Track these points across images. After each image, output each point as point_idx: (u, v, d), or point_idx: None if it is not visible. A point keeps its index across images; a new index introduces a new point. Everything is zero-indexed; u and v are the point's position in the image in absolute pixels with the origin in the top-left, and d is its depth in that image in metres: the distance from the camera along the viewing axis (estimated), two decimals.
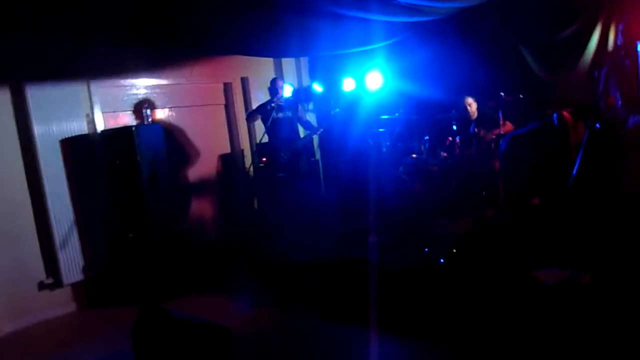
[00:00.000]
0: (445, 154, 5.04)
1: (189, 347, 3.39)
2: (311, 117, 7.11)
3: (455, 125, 5.05)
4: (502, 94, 4.59)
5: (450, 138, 5.06)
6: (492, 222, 4.37)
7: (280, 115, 5.56)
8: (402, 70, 5.45)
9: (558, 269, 3.55)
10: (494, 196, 4.60)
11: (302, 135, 5.82)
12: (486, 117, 4.84)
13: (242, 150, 6.69)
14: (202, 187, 6.33)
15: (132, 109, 5.61)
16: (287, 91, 5.82)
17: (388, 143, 5.34)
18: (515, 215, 4.13)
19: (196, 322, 3.55)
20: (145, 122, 5.23)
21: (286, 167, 5.58)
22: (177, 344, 3.34)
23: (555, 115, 4.08)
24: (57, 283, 4.90)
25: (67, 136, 4.95)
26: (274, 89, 5.65)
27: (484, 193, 4.74)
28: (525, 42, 4.88)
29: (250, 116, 5.84)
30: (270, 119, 5.47)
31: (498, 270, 3.71)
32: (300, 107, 5.85)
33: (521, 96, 4.54)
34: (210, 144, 6.44)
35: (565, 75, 4.63)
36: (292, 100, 5.82)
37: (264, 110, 5.64)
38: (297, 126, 5.85)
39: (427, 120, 5.27)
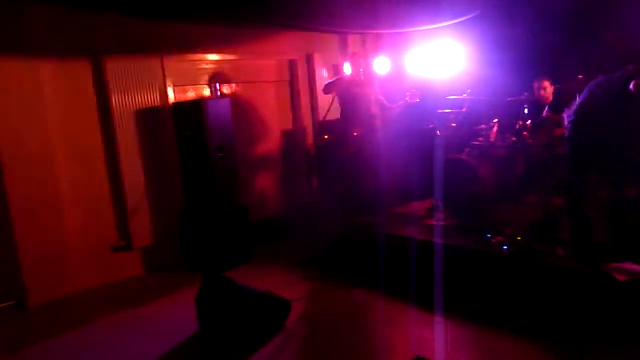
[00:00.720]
0: (514, 138, 4.85)
1: (250, 315, 3.53)
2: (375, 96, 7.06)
3: (527, 108, 4.83)
4: (580, 76, 4.32)
5: (521, 122, 4.85)
6: (561, 211, 4.17)
7: (358, 90, 5.48)
8: (473, 50, 5.25)
9: (632, 262, 3.36)
10: (563, 184, 4.39)
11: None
12: (562, 102, 4.59)
13: (305, 128, 6.75)
14: (265, 162, 6.46)
15: (201, 83, 5.79)
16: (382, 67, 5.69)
17: (454, 124, 5.20)
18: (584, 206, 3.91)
19: (258, 292, 3.68)
20: (214, 96, 5.36)
21: (355, 144, 5.50)
22: (240, 311, 3.48)
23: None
24: (128, 246, 5.21)
25: (141, 108, 5.19)
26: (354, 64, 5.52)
27: (550, 181, 4.54)
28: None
29: (328, 87, 5.63)
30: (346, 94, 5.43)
31: (564, 261, 3.56)
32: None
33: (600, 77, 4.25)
34: (274, 120, 6.55)
35: None
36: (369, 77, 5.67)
37: (340, 84, 5.53)
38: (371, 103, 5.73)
39: (497, 102, 5.06)
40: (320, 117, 6.39)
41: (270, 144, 6.55)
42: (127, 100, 5.11)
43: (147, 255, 5.37)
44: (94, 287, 4.97)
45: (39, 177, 4.65)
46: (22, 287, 4.61)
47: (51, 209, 4.73)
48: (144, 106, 5.22)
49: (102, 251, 5.11)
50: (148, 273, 5.35)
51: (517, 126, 4.86)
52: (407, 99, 5.37)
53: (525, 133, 4.80)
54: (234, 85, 6.06)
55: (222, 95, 5.60)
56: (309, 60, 6.71)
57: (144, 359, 3.46)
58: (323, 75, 6.72)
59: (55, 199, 4.75)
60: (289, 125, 6.75)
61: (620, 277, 3.23)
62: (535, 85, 4.82)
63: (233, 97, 6.00)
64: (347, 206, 5.32)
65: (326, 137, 6.03)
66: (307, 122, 6.77)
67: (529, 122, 4.80)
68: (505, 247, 3.81)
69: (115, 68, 5.00)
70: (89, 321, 4.19)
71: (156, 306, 4.44)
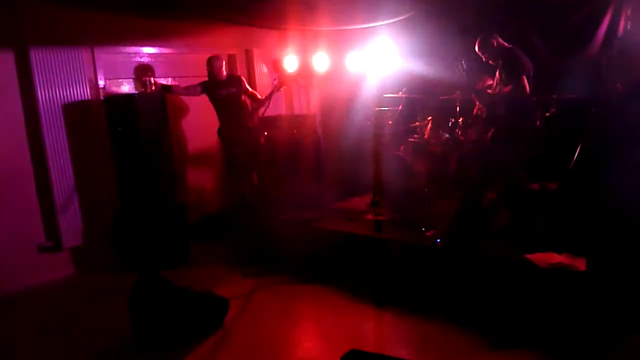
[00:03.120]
0: (447, 135, 5.04)
1: (187, 314, 3.46)
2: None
3: (459, 106, 5.04)
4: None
5: (453, 119, 5.05)
6: (491, 204, 4.39)
7: (224, 92, 5.61)
8: (408, 49, 5.40)
9: (553, 252, 3.59)
10: (493, 179, 4.62)
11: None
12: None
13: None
14: (204, 159, 6.34)
15: (135, 76, 5.59)
16: (290, 65, 5.78)
17: (390, 122, 5.33)
18: (513, 198, 4.15)
19: (194, 291, 3.61)
20: (148, 91, 5.20)
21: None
22: (176, 310, 3.41)
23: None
24: (57, 246, 4.96)
25: (70, 101, 4.94)
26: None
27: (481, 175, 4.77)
28: (534, 27, 4.86)
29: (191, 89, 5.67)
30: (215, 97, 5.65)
31: (492, 252, 3.75)
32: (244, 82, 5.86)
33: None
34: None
35: (573, 59, 4.62)
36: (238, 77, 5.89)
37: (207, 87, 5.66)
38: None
39: (431, 101, 5.25)
40: (260, 113, 6.34)
41: (209, 140, 6.41)
42: (55, 94, 4.84)
43: (78, 255, 5.13)
44: (21, 290, 4.69)
45: None
46: None
47: None
48: (73, 99, 4.97)
49: (28, 252, 4.82)
50: (79, 274, 5.11)
51: (450, 124, 5.06)
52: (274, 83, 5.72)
53: (457, 130, 5.00)
54: (170, 79, 5.89)
55: (157, 89, 5.43)
56: (249, 55, 6.65)
57: None
58: (263, 71, 6.67)
59: None
60: None
61: (542, 265, 3.45)
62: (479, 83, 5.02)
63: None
64: (286, 202, 5.33)
65: (266, 133, 6.00)
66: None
67: (460, 119, 5.00)
68: (437, 240, 3.95)
69: (41, 59, 4.72)
70: (15, 325, 3.95)
71: (87, 308, 4.25)
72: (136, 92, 5.27)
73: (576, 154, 4.01)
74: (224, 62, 5.68)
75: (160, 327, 3.38)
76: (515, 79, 4.05)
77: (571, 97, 4.57)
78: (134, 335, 3.52)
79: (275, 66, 5.66)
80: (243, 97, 5.84)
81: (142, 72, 5.54)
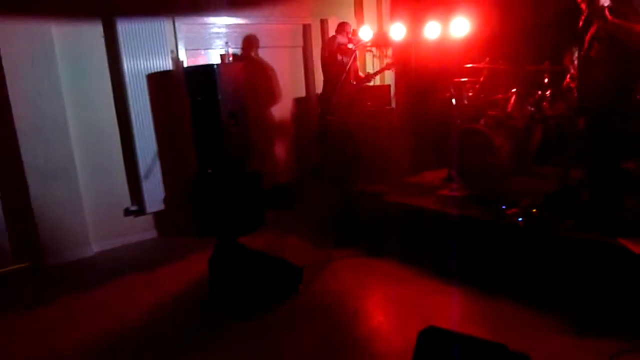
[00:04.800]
0: (532, 109, 4.74)
1: (263, 280, 3.55)
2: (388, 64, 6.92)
3: (548, 78, 4.70)
4: None
5: (540, 92, 4.73)
6: (578, 184, 4.11)
7: (346, 60, 5.44)
8: (492, 16, 5.10)
9: None
10: (582, 156, 4.31)
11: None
12: None
13: (318, 95, 6.65)
14: (277, 129, 6.42)
15: (214, 47, 5.70)
16: (365, 35, 5.63)
17: (470, 94, 5.08)
18: (604, 178, 3.84)
19: (270, 257, 3.69)
20: (227, 61, 5.28)
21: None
22: (252, 275, 3.50)
23: None
24: (141, 210, 5.25)
25: (153, 71, 5.13)
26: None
27: (570, 152, 4.46)
28: None
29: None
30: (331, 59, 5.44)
31: (580, 234, 3.52)
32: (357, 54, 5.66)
33: None
34: (287, 86, 6.46)
35: None
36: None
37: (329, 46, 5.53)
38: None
39: (516, 71, 4.93)
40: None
41: (284, 110, 6.48)
42: (140, 63, 5.04)
43: (160, 219, 5.41)
44: (109, 249, 5.04)
45: (53, 141, 4.64)
46: (38, 248, 4.68)
47: (65, 173, 4.74)
48: (156, 69, 5.16)
49: (115, 215, 5.14)
50: (161, 237, 5.40)
51: (536, 96, 4.74)
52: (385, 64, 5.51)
53: (544, 104, 4.69)
54: (252, 51, 5.95)
55: (235, 60, 5.51)
56: (323, 25, 6.56)
57: (157, 320, 3.51)
58: (340, 41, 6.56)
59: (69, 163, 4.76)
60: (302, 93, 6.66)
61: (637, 250, 3.19)
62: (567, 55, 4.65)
63: (246, 62, 5.91)
64: (359, 175, 5.29)
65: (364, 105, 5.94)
66: (320, 89, 6.66)
67: (548, 92, 4.68)
68: (520, 219, 3.77)
69: (126, 30, 4.92)
70: (103, 282, 4.25)
71: (169, 269, 4.49)
72: (216, 62, 5.35)
73: None
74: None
75: (237, 291, 3.50)
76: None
77: None
78: (210, 297, 3.67)
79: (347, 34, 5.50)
80: (353, 68, 5.70)
81: (221, 42, 5.62)
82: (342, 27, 5.59)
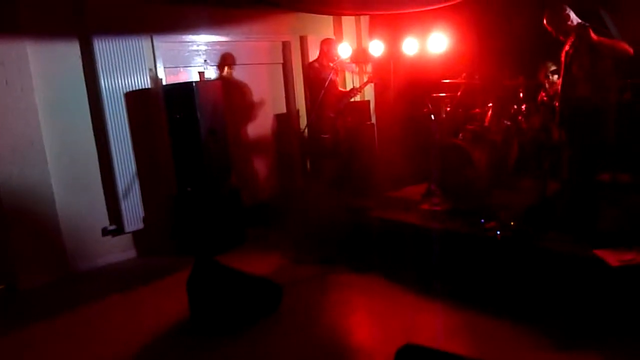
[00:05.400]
0: (509, 123, 4.81)
1: (242, 299, 3.51)
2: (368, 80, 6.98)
3: (522, 92, 4.79)
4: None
5: (515, 106, 4.81)
6: (556, 196, 4.16)
7: (332, 76, 5.47)
8: (469, 30, 5.20)
9: (624, 248, 3.36)
10: (558, 169, 4.38)
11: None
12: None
13: (298, 111, 6.68)
14: (258, 146, 6.40)
15: (193, 65, 5.69)
16: (344, 51, 5.69)
17: (448, 109, 5.14)
18: (582, 191, 3.90)
19: (249, 276, 3.65)
20: (205, 79, 5.28)
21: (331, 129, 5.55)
22: (231, 294, 3.46)
23: None
24: (120, 230, 5.17)
25: (131, 89, 5.09)
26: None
27: (546, 165, 4.52)
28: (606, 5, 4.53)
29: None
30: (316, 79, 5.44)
31: (557, 246, 3.55)
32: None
33: None
34: (267, 103, 6.46)
35: None
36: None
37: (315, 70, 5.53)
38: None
39: (492, 86, 5.01)
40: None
41: (264, 127, 6.47)
42: (117, 82, 5.01)
43: (139, 239, 5.33)
44: (86, 270, 4.94)
45: (28, 162, 4.56)
46: (12, 271, 4.57)
47: (41, 194, 4.65)
48: (134, 88, 5.13)
49: (93, 234, 5.06)
50: (140, 257, 5.32)
51: (512, 110, 4.82)
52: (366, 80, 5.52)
53: (520, 117, 4.77)
54: (226, 67, 5.96)
55: (214, 77, 5.51)
56: (303, 42, 6.61)
57: (134, 342, 3.43)
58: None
59: (45, 184, 4.67)
60: (282, 109, 6.67)
61: (613, 263, 3.23)
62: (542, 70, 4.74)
63: (225, 79, 5.91)
64: (340, 190, 5.29)
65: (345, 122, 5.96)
66: (301, 105, 6.70)
67: (523, 106, 4.76)
68: (497, 232, 3.79)
69: (104, 48, 4.89)
70: (80, 304, 4.15)
71: (147, 290, 4.41)
72: (195, 80, 5.34)
73: None
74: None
75: (216, 311, 3.45)
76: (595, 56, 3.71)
77: None
78: (191, 317, 3.61)
79: (327, 52, 5.54)
80: (337, 84, 5.75)
81: (200, 60, 5.62)
82: (326, 44, 5.58)
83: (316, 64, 5.53)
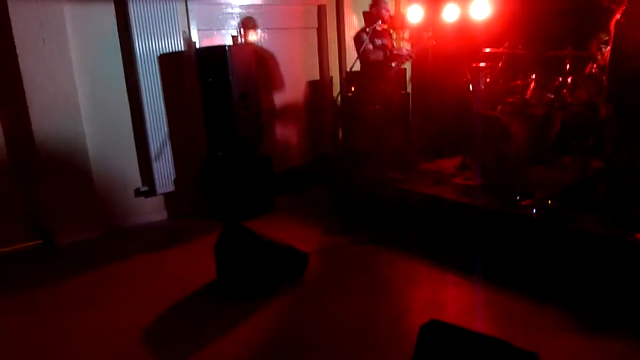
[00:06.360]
0: (552, 96, 4.57)
1: (267, 265, 3.53)
2: (406, 46, 6.75)
3: (569, 64, 4.52)
4: None
5: (560, 78, 4.56)
6: (597, 176, 3.96)
7: (378, 42, 5.23)
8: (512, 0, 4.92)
9: None
10: (602, 147, 4.15)
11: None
12: None
13: (332, 78, 6.54)
14: (290, 112, 6.34)
15: (226, 28, 5.61)
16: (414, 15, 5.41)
17: (488, 79, 4.92)
18: (626, 172, 3.69)
19: (276, 243, 3.66)
20: (239, 43, 5.20)
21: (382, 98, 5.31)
22: (257, 261, 3.48)
23: None
24: (152, 191, 5.25)
25: (165, 52, 5.07)
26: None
27: (590, 142, 4.30)
28: None
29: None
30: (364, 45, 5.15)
31: (595, 228, 3.40)
32: (392, 35, 5.41)
33: None
34: (300, 69, 6.36)
35: None
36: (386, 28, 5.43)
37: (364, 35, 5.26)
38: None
39: (536, 57, 4.75)
40: (348, 67, 6.16)
41: (296, 94, 6.39)
42: (151, 44, 4.98)
43: (170, 200, 5.41)
44: (119, 229, 5.06)
45: (63, 120, 4.64)
46: (49, 227, 4.72)
47: (76, 152, 4.74)
48: (168, 50, 5.10)
49: (125, 195, 5.16)
50: (170, 218, 5.41)
51: (557, 83, 4.57)
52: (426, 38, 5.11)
53: (564, 91, 4.52)
54: (259, 31, 5.86)
55: (247, 41, 5.42)
56: (339, 6, 6.41)
57: (162, 302, 3.51)
58: (353, 23, 6.42)
59: (80, 142, 4.76)
60: (315, 75, 6.55)
61: None
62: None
63: (258, 44, 5.82)
64: (372, 160, 5.19)
65: (353, 88, 5.82)
66: (335, 72, 6.55)
67: (569, 79, 4.51)
68: (534, 211, 3.65)
69: (138, 11, 4.85)
70: (111, 262, 4.27)
71: (176, 251, 4.49)
72: (228, 44, 5.26)
73: None
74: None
75: (242, 276, 3.48)
76: None
77: None
78: (218, 280, 3.66)
79: (369, 17, 5.30)
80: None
81: (233, 23, 5.52)
82: (377, 3, 5.18)
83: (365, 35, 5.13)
